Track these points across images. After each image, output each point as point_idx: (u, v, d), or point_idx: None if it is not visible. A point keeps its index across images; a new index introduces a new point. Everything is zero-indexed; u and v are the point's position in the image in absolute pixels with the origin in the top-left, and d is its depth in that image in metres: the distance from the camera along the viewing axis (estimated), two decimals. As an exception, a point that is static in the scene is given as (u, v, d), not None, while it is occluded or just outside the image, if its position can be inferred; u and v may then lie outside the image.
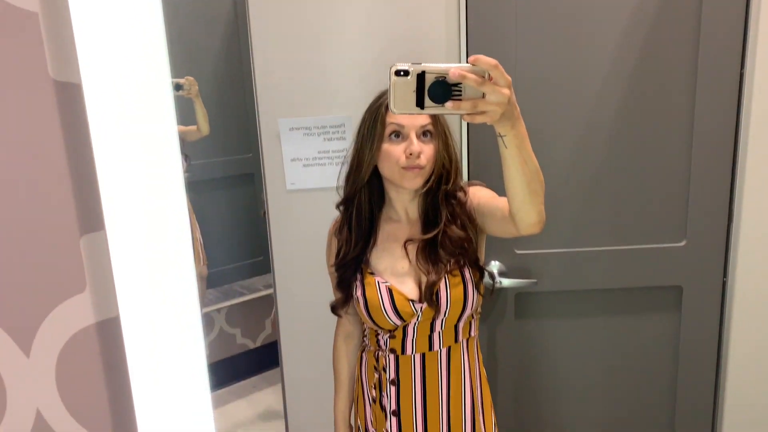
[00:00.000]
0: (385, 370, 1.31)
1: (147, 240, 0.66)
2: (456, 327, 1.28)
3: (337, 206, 1.36)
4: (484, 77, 0.83)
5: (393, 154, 1.21)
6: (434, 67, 0.81)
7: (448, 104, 0.82)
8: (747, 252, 1.77)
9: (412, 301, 1.25)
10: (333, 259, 1.36)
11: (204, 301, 2.83)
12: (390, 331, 1.28)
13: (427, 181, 1.25)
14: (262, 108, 1.73)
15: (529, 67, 1.67)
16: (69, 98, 0.60)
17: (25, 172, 0.62)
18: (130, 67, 0.62)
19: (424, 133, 1.22)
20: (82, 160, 0.63)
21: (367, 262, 1.30)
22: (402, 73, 0.82)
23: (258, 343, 2.99)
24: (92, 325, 0.68)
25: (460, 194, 1.30)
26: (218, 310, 2.88)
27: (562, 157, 1.74)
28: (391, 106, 0.84)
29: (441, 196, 1.27)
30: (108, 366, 0.69)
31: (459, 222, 1.27)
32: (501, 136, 0.94)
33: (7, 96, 0.59)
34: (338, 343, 1.47)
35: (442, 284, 1.23)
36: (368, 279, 1.28)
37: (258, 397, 2.84)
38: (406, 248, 1.28)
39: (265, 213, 1.82)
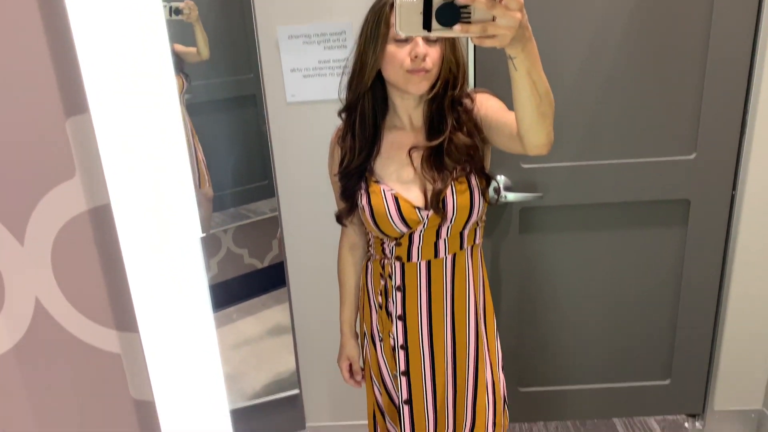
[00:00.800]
0: (390, 277, 1.32)
1: (136, 126, 0.64)
2: (461, 234, 1.27)
3: (340, 113, 1.32)
4: None
5: (397, 56, 1.16)
6: None
7: (457, 27, 0.79)
8: (758, 165, 1.73)
9: (418, 208, 1.23)
10: (336, 168, 1.34)
11: (210, 224, 2.85)
12: (396, 239, 1.28)
13: (432, 86, 1.21)
14: (260, 16, 1.67)
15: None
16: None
17: (2, 52, 0.60)
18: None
19: (430, 39, 1.17)
20: (60, 38, 0.60)
21: (372, 171, 1.28)
22: None
23: (266, 263, 3.03)
24: (85, 212, 0.67)
25: (467, 101, 1.25)
26: (225, 231, 2.90)
27: (570, 68, 1.68)
28: (397, 28, 0.80)
29: (447, 103, 1.23)
30: (103, 254, 0.69)
31: (465, 129, 1.23)
32: (511, 58, 0.90)
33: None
34: (343, 253, 1.47)
35: (448, 191, 1.21)
36: (373, 187, 1.26)
37: (267, 315, 2.90)
38: (410, 156, 1.25)
39: (266, 127, 1.79)
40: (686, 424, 2.08)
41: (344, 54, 1.67)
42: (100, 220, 0.67)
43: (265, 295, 3.03)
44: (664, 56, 1.66)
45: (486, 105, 1.24)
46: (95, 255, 0.69)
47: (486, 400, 1.35)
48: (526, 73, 0.92)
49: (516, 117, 1.04)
